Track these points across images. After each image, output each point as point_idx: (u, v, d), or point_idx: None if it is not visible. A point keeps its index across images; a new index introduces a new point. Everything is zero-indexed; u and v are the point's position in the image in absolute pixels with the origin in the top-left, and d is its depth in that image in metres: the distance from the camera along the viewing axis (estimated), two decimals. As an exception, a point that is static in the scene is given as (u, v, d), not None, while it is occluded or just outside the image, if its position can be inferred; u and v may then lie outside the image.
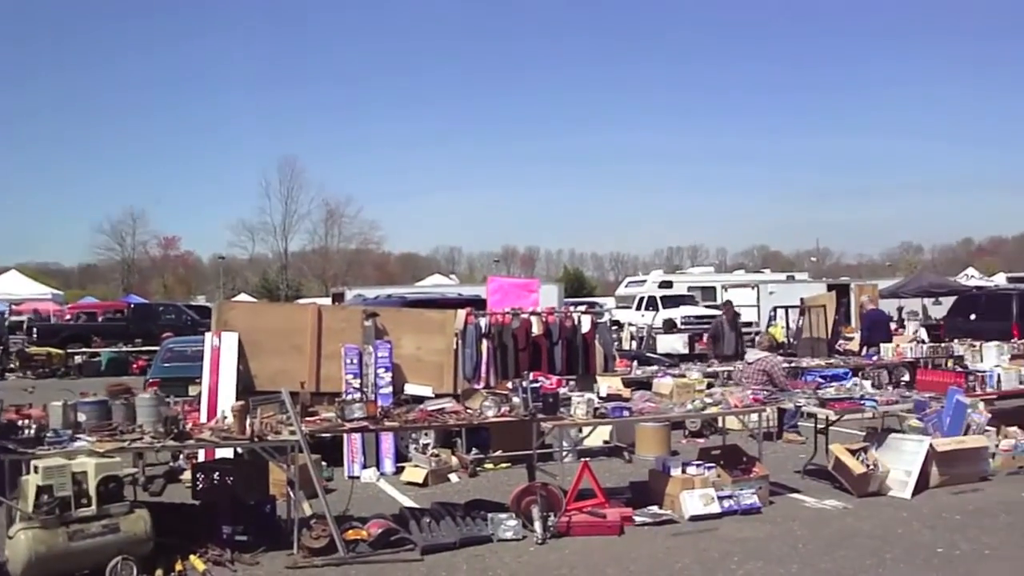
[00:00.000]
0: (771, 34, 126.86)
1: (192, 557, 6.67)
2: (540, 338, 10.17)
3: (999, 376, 10.85)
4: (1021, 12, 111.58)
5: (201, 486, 7.30)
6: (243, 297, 49.03)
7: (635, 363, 13.64)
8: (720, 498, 7.98)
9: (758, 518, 7.98)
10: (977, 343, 13.84)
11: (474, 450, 10.45)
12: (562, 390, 9.17)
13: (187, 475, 8.91)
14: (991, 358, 12.19)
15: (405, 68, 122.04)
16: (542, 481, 7.81)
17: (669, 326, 21.01)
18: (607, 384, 9.74)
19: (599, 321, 10.69)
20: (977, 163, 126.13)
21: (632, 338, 21.46)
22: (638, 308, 31.88)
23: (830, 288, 23.34)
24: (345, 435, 9.05)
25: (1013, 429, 10.16)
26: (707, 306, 23.98)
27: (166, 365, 13.77)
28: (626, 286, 43.54)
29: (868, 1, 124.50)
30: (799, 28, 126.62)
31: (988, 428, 9.91)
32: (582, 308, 11.35)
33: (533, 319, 10.18)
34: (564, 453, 9.48)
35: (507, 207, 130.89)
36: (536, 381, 8.93)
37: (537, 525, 7.33)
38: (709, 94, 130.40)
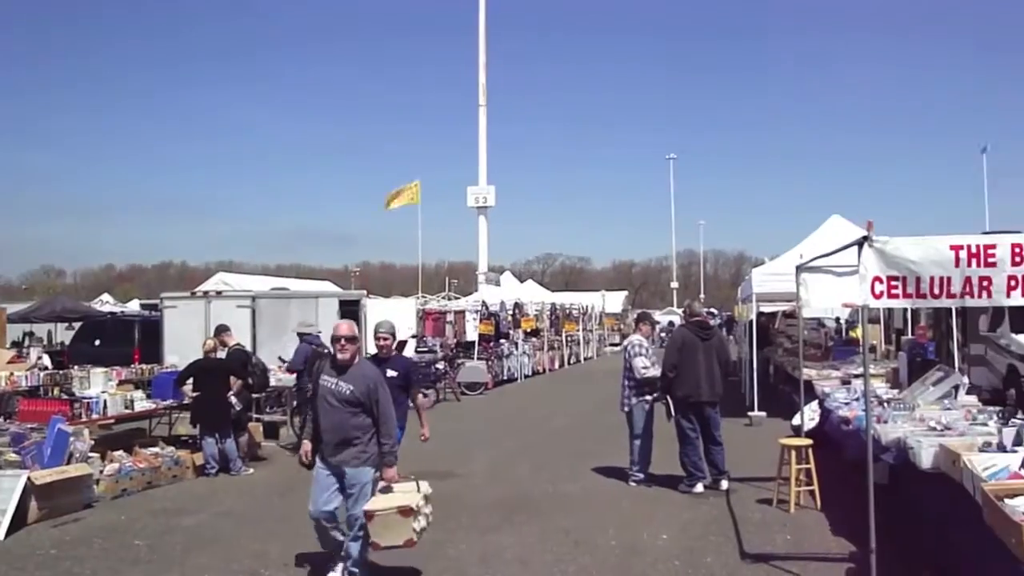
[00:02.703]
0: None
1: None
2: None
3: (106, 402, 11.06)
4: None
5: None
6: None
7: None
8: None
9: None
10: (94, 369, 13.89)
11: None
12: None
13: None
14: (99, 384, 12.35)
15: None
16: None
17: None
18: None
19: None
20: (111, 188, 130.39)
21: None
22: None
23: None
24: None
25: (119, 453, 10.47)
26: None
27: None
28: None
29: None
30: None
31: (92, 454, 10.01)
32: None
33: None
34: None
35: None
36: None
37: None
38: None
